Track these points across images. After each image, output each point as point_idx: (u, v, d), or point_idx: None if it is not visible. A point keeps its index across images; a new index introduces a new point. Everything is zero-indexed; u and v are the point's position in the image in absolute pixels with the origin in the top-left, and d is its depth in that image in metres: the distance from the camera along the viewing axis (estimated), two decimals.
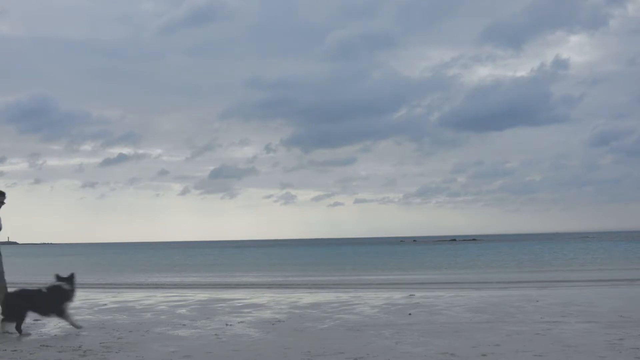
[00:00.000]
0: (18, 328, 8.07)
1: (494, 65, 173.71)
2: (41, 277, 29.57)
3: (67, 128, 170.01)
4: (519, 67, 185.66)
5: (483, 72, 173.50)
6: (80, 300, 13.51)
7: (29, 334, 8.08)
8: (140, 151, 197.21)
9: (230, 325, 8.92)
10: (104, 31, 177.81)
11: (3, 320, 8.18)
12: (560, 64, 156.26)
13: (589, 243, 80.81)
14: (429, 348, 6.75)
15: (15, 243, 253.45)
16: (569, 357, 6.15)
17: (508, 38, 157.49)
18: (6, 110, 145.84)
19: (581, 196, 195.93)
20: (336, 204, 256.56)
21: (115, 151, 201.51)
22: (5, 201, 9.42)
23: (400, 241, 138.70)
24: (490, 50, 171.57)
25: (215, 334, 8.00)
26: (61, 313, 8.42)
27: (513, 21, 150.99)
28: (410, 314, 9.90)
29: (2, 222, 9.49)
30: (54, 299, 8.37)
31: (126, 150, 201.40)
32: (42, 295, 8.35)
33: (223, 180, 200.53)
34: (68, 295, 8.53)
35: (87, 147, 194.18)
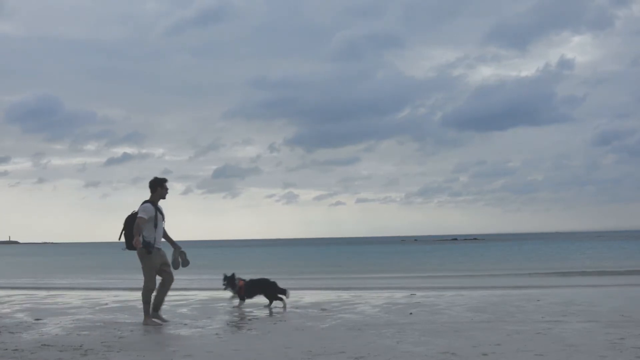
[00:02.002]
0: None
1: (498, 66, 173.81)
2: (46, 277, 29.60)
3: (72, 128, 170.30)
4: (524, 68, 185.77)
5: (487, 73, 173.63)
6: (82, 299, 13.53)
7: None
8: (144, 151, 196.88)
9: (232, 324, 8.92)
10: (109, 31, 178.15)
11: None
12: (565, 64, 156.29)
13: (589, 243, 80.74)
14: (429, 347, 6.75)
15: (16, 242, 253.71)
16: (569, 356, 6.15)
17: (513, 38, 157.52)
18: (11, 110, 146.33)
19: (583, 196, 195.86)
20: (338, 203, 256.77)
21: (118, 151, 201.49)
22: (167, 185, 9.21)
23: (401, 241, 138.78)
24: (495, 50, 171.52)
25: (216, 334, 8.01)
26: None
27: (518, 22, 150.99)
28: (411, 314, 9.90)
29: (164, 213, 9.25)
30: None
31: (130, 150, 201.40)
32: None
33: (226, 179, 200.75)
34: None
35: (90, 146, 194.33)
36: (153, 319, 9.07)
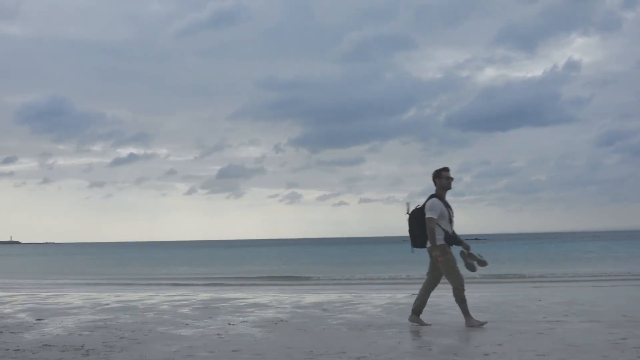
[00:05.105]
0: None
1: (506, 67, 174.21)
2: (44, 277, 29.63)
3: (79, 128, 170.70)
4: (531, 69, 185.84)
5: (494, 74, 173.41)
6: (83, 299, 13.54)
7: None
8: (150, 151, 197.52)
9: (233, 324, 8.92)
10: (117, 32, 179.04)
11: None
12: (572, 65, 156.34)
13: (592, 243, 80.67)
14: (431, 347, 6.74)
15: (17, 242, 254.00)
16: (571, 356, 6.13)
17: (522, 40, 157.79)
18: (20, 110, 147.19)
19: (585, 196, 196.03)
20: (341, 203, 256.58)
21: (125, 151, 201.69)
22: (447, 174, 8.27)
23: (403, 240, 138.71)
24: (504, 52, 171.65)
25: (218, 334, 8.00)
26: None
27: (527, 24, 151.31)
28: None
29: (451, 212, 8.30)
30: None
31: (136, 151, 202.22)
32: None
33: (230, 180, 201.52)
34: None
35: (97, 147, 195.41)
36: (414, 322, 8.43)
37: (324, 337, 7.57)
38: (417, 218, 8.33)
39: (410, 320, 8.54)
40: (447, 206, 8.28)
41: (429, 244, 8.23)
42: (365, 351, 6.56)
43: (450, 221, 8.24)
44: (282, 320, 9.30)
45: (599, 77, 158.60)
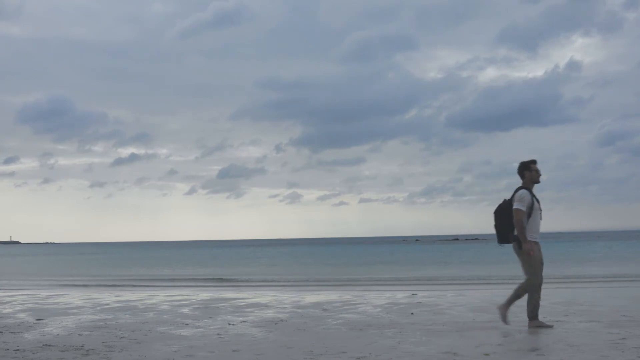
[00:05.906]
0: None
1: (507, 68, 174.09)
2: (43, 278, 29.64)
3: (80, 128, 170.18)
4: (533, 70, 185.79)
5: (496, 74, 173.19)
6: (83, 299, 13.54)
7: None
8: (151, 151, 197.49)
9: (233, 324, 8.92)
10: (119, 33, 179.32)
11: None
12: (574, 66, 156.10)
13: (593, 243, 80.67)
14: (431, 347, 6.74)
15: (17, 242, 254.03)
16: (571, 356, 6.13)
17: (523, 41, 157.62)
18: (21, 110, 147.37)
19: (586, 196, 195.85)
20: (341, 203, 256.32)
21: (126, 151, 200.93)
22: (536, 167, 7.93)
23: (403, 240, 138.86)
24: (505, 52, 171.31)
25: (218, 334, 8.00)
26: None
27: (529, 24, 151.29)
28: (412, 314, 9.89)
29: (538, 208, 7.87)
30: None
31: (137, 151, 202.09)
32: None
33: (230, 180, 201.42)
34: None
35: (98, 147, 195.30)
36: (538, 326, 7.85)
37: (323, 337, 7.57)
38: (502, 212, 8.00)
39: (533, 325, 7.92)
40: (537, 200, 7.93)
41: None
42: (365, 351, 6.57)
43: (529, 215, 7.79)
44: (282, 320, 9.31)
45: (600, 78, 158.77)
